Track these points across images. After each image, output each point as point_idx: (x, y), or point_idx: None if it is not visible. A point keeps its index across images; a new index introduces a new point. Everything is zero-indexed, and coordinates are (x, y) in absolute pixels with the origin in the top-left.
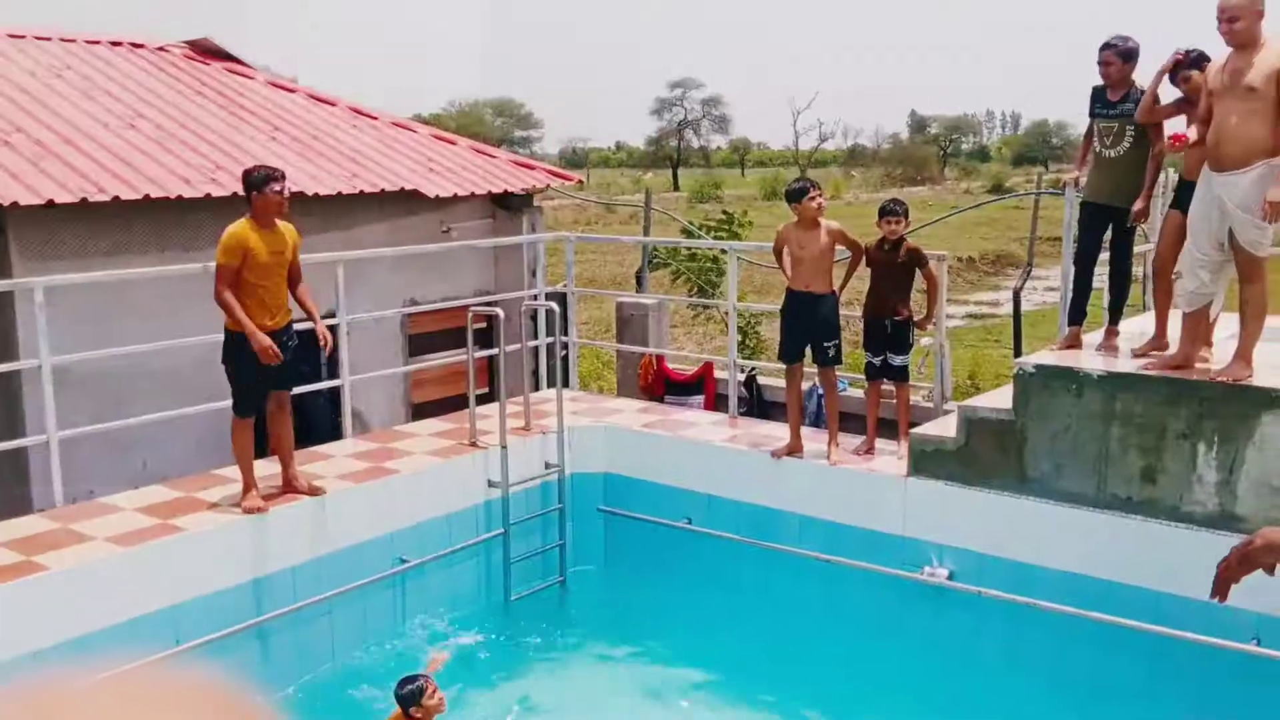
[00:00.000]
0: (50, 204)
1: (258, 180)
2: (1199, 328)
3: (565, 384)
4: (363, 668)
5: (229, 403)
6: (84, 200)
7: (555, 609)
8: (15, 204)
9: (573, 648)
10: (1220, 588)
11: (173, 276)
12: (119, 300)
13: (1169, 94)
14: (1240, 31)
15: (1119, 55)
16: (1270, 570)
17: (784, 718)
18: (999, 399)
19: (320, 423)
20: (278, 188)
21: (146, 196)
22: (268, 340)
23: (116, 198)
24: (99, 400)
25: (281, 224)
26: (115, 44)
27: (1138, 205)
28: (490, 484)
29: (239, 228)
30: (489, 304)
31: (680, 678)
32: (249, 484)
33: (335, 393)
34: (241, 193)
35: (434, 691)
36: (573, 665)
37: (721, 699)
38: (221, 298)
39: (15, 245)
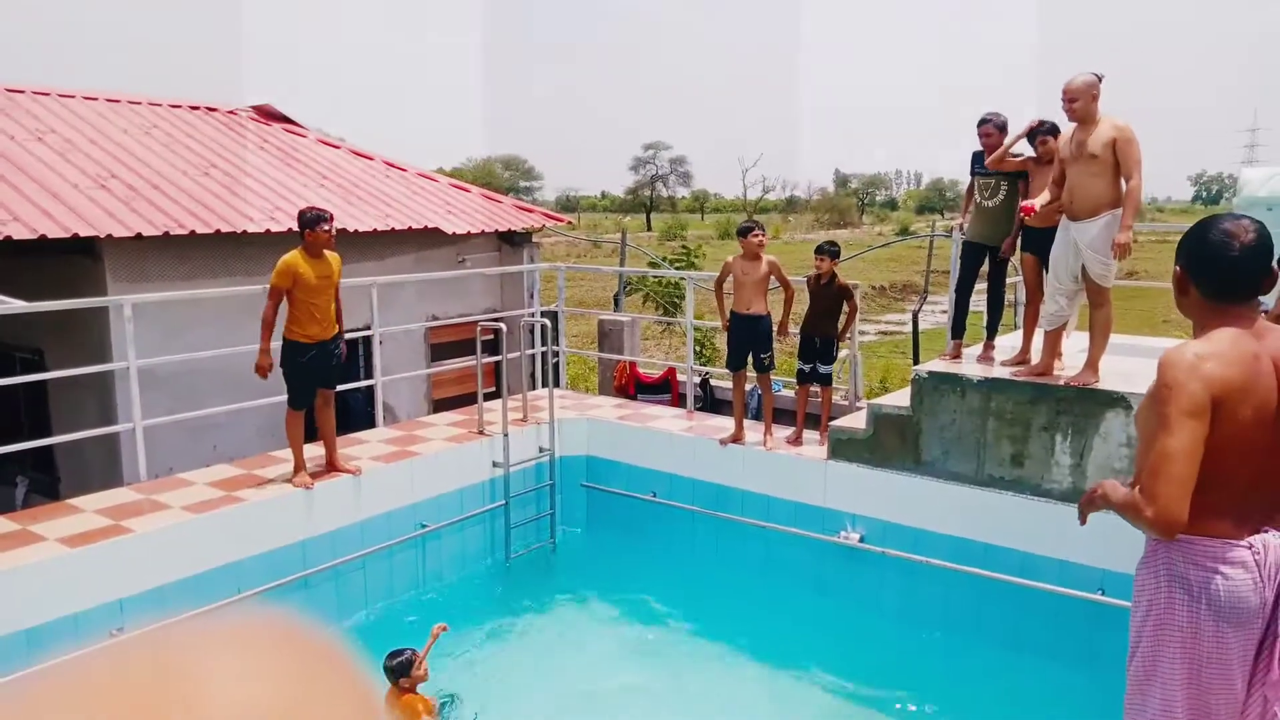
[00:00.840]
0: (138, 236)
1: (310, 219)
2: (1057, 343)
3: (556, 384)
4: (389, 615)
5: (284, 397)
6: (166, 234)
7: (546, 565)
8: (110, 236)
9: (561, 595)
10: (1081, 516)
11: (238, 295)
12: (193, 315)
13: (1020, 149)
14: (1079, 110)
15: (996, 127)
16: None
17: (727, 648)
18: (900, 398)
19: (358, 414)
20: (326, 226)
21: (217, 231)
22: (267, 361)
23: (193, 231)
24: (176, 395)
25: (329, 254)
26: (194, 108)
27: (1006, 243)
28: (494, 464)
29: (291, 257)
30: (495, 319)
31: (647, 617)
32: (299, 464)
33: (371, 390)
34: (296, 229)
35: (420, 662)
36: (561, 609)
37: (679, 633)
38: (265, 315)
39: (109, 270)
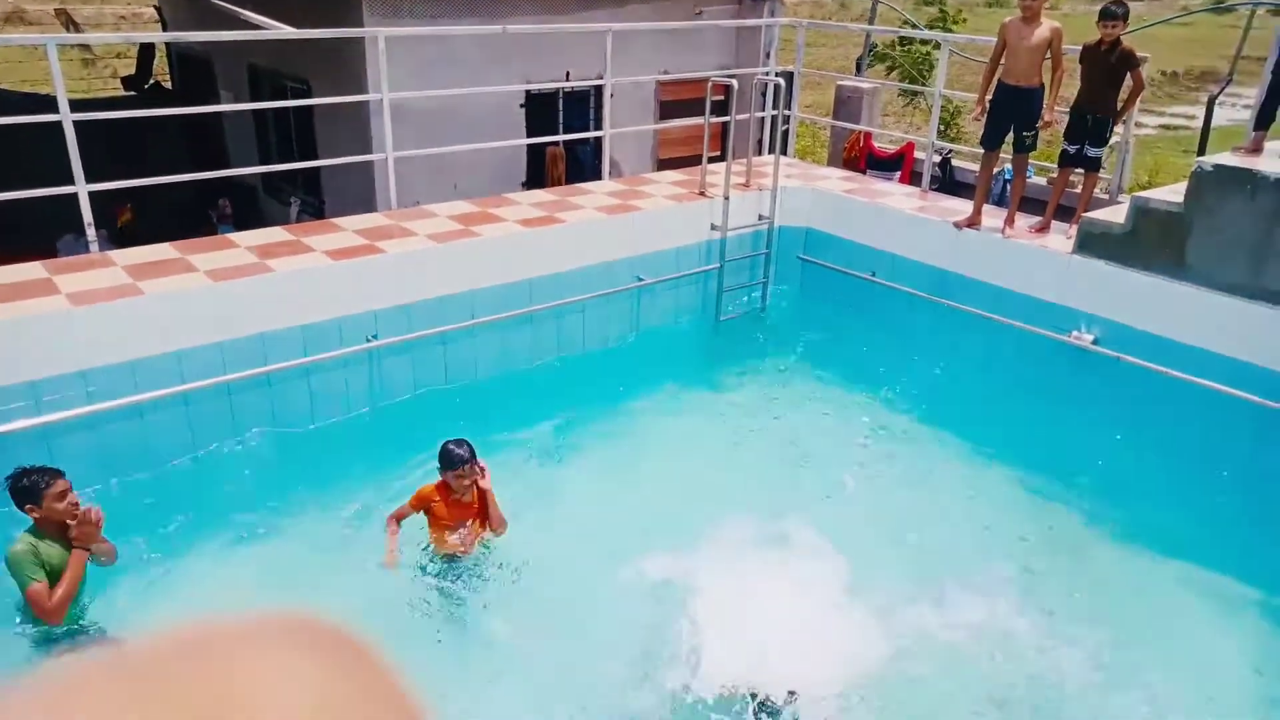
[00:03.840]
0: None
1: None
2: None
3: (784, 151)
4: (608, 352)
5: (524, 141)
6: None
7: (754, 332)
8: None
9: (765, 362)
10: None
11: (482, 38)
12: (440, 54)
13: None
14: None
15: None
16: None
17: (929, 437)
18: (1172, 193)
19: (585, 166)
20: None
21: None
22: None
23: None
24: (422, 131)
25: None
26: None
27: None
28: (713, 227)
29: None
30: (728, 76)
31: (848, 396)
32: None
33: (598, 142)
34: None
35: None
36: (764, 374)
37: (883, 416)
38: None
39: (366, 4)
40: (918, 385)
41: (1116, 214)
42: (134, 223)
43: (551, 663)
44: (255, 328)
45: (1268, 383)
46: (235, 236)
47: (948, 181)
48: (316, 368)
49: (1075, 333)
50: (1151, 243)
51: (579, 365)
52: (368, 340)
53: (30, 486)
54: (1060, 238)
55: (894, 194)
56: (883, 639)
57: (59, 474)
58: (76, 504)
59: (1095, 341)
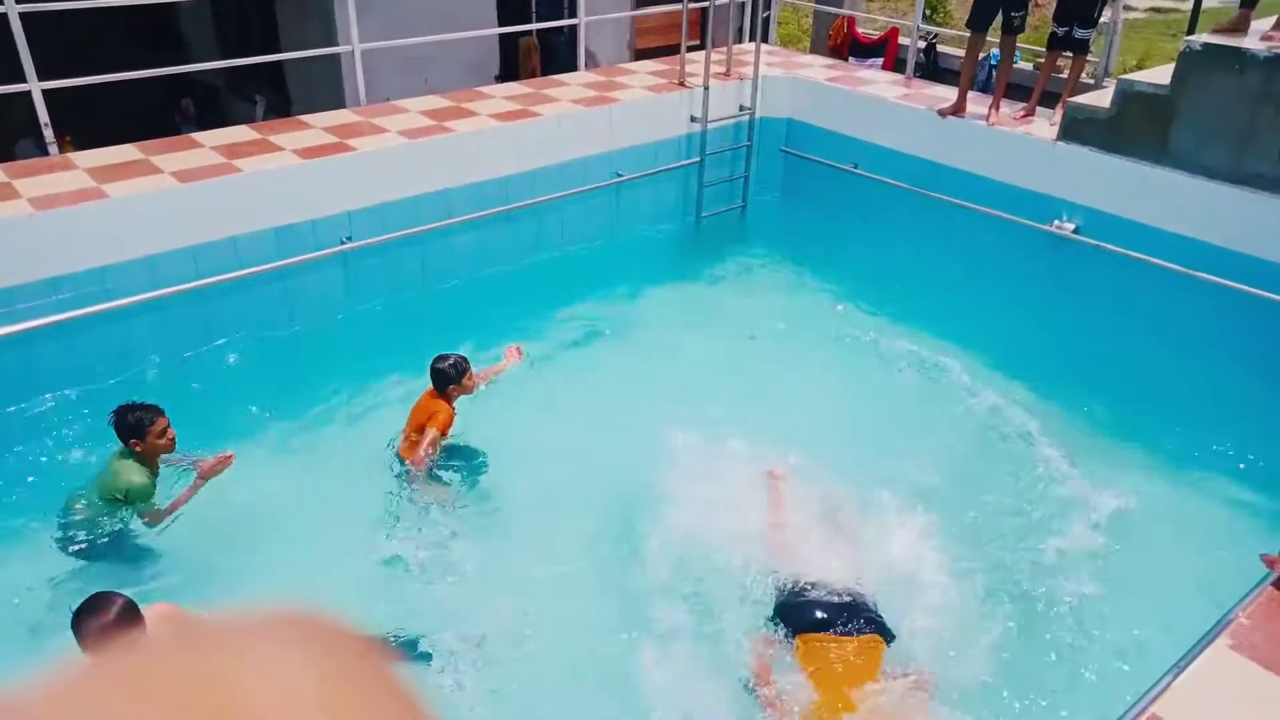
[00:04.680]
0: None
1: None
2: None
3: (765, 39)
4: (587, 251)
5: (495, 31)
6: None
7: (736, 228)
8: None
9: (748, 258)
10: None
11: None
12: None
13: None
14: None
15: None
16: None
17: (910, 328)
18: (1159, 75)
19: (560, 56)
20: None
21: None
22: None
23: None
24: (389, 24)
25: None
26: None
27: None
28: (692, 119)
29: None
30: None
31: (831, 288)
32: None
33: (573, 32)
34: None
35: (471, 374)
36: (748, 271)
37: (865, 309)
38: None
39: None
40: (900, 278)
41: (1102, 98)
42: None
43: (534, 556)
44: (226, 231)
45: (1248, 268)
46: (200, 136)
47: (932, 68)
48: (291, 271)
49: (1057, 222)
50: (1136, 127)
51: (558, 265)
52: (342, 242)
53: (136, 423)
54: (1045, 124)
55: (877, 82)
56: (859, 530)
57: (160, 411)
58: (174, 438)
59: (1076, 230)
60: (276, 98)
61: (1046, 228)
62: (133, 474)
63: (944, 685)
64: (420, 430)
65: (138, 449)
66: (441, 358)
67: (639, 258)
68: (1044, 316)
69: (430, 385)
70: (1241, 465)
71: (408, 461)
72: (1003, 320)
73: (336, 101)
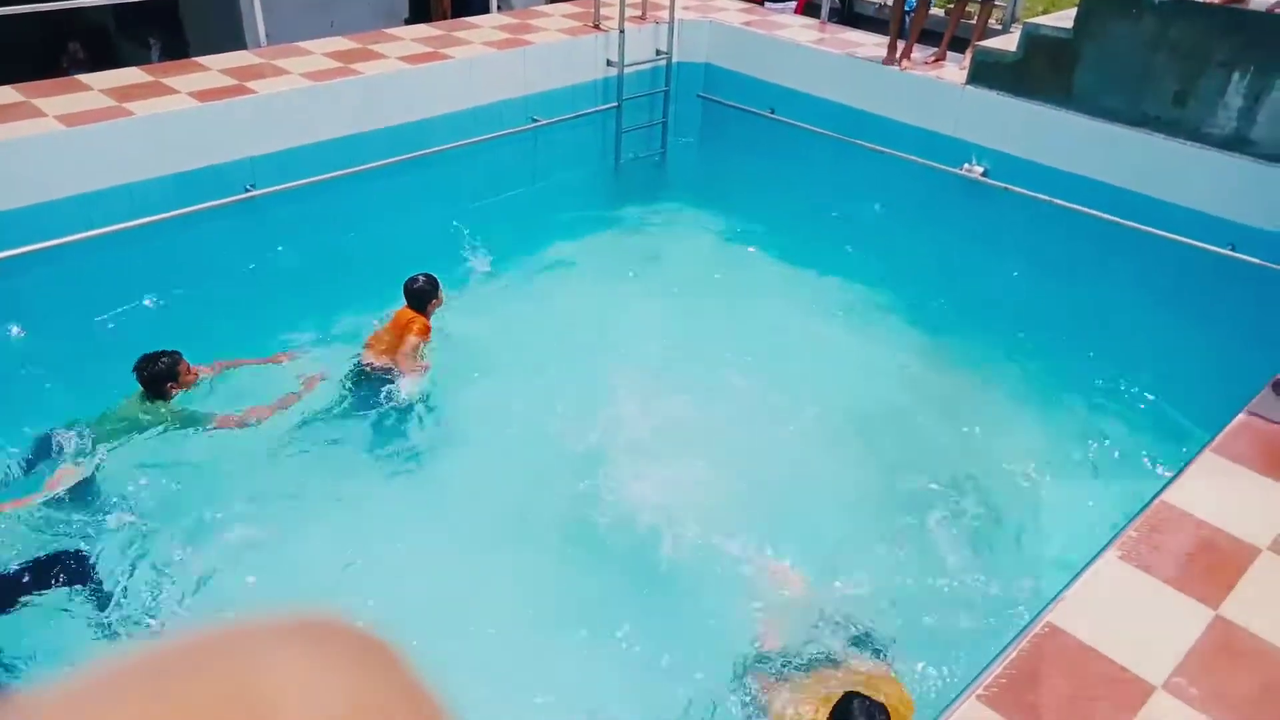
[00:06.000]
0: None
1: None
2: None
3: None
4: (503, 199)
5: None
6: None
7: (656, 175)
8: None
9: (668, 204)
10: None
11: None
12: None
13: None
14: None
15: None
16: None
17: (823, 273)
18: (1062, 19)
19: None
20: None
21: None
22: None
23: None
24: None
25: None
26: None
27: None
28: (609, 63)
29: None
30: None
31: (748, 233)
32: None
33: None
34: None
35: (188, 369)
36: (667, 218)
37: (779, 251)
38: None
39: None
40: (814, 222)
41: (1009, 43)
42: None
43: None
44: (119, 178)
45: (1148, 209)
46: (87, 78)
47: (847, 13)
48: (192, 220)
49: (967, 165)
50: (1041, 71)
51: (474, 213)
52: (247, 190)
53: (167, 370)
54: (956, 69)
55: (792, 26)
56: (777, 465)
57: (179, 354)
58: (197, 373)
59: (985, 174)
60: (173, 41)
61: (957, 171)
62: (176, 407)
63: (856, 612)
64: (401, 338)
65: (174, 391)
66: (413, 279)
67: (558, 205)
68: (957, 259)
69: (404, 305)
70: (1149, 396)
71: (400, 368)
72: (917, 263)
73: (237, 44)
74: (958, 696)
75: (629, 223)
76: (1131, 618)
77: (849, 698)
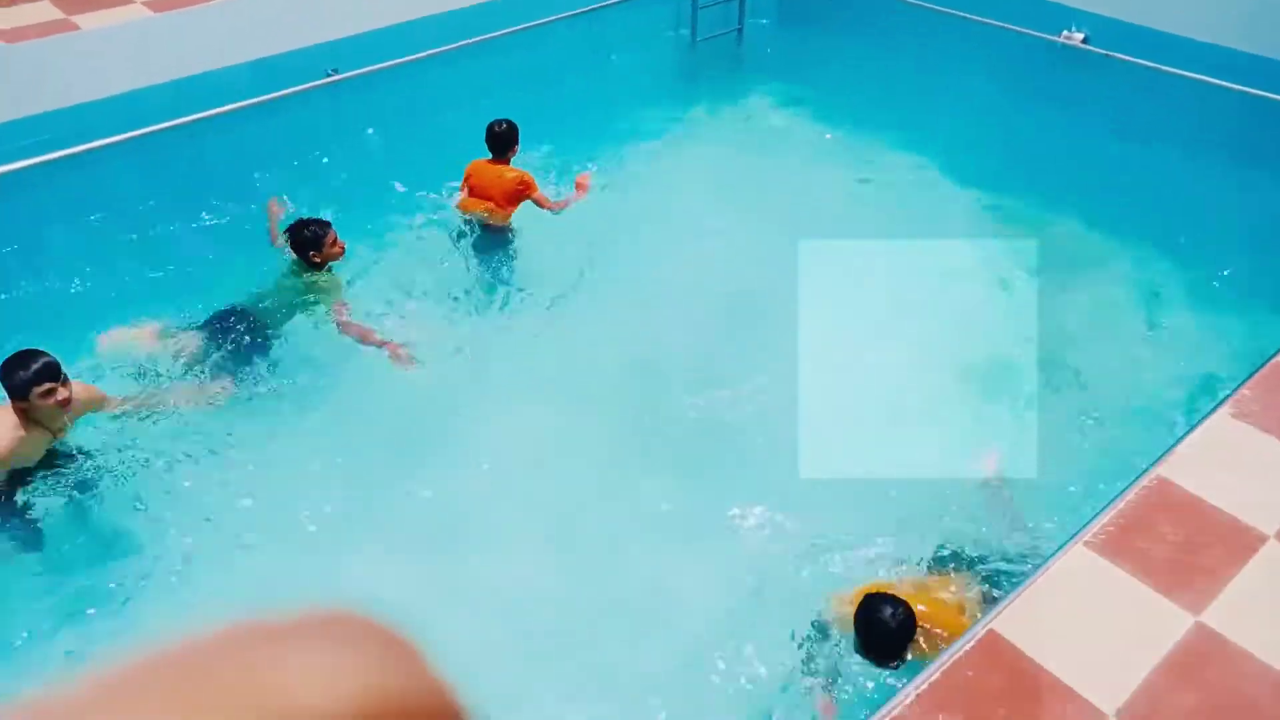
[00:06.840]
0: None
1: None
2: None
3: None
4: (575, 93)
5: None
6: None
7: (733, 52)
8: None
9: (745, 83)
10: None
11: None
12: None
13: None
14: None
15: None
16: None
17: (918, 152)
18: None
19: None
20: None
21: None
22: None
23: None
24: None
25: None
26: None
27: None
28: None
29: None
30: None
31: (830, 115)
32: None
33: None
34: None
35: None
36: (744, 97)
37: (863, 137)
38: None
39: None
40: (904, 97)
41: None
42: None
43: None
44: (207, 64)
45: (1261, 70)
46: None
47: None
48: (269, 108)
49: (1066, 32)
50: None
51: (548, 96)
52: (328, 74)
53: (313, 237)
54: None
55: None
56: (865, 351)
57: (328, 224)
58: (344, 247)
59: (1086, 40)
60: None
61: (1055, 38)
62: (314, 280)
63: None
64: (512, 192)
65: (315, 259)
66: (497, 122)
67: (632, 86)
68: (1053, 132)
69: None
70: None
71: (550, 205)
72: (1009, 138)
73: None
74: (1063, 545)
75: (705, 103)
76: (1243, 473)
77: (877, 599)
